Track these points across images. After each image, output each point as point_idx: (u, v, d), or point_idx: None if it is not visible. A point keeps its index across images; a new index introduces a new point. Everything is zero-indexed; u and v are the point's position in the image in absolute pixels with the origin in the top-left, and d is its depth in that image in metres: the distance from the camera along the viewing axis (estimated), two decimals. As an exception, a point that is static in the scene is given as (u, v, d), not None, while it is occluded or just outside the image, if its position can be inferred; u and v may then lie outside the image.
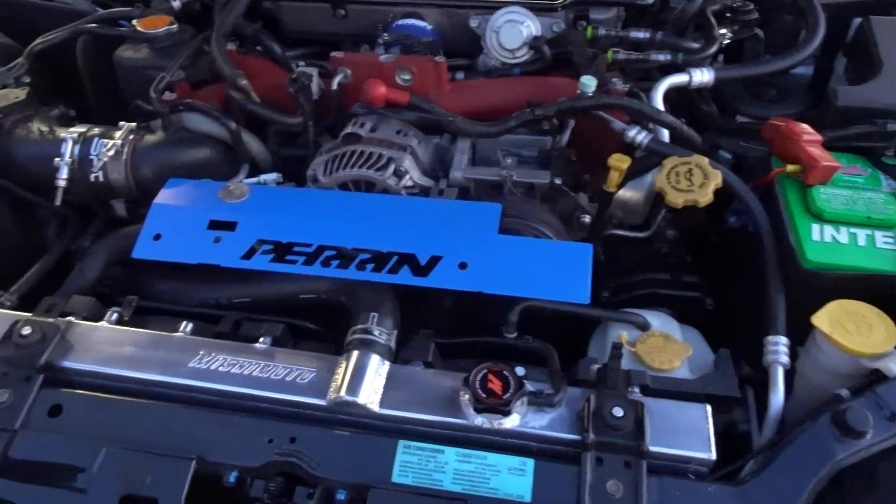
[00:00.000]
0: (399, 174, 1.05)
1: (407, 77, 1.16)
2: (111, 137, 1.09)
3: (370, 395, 0.86)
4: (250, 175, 1.15)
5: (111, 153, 1.06)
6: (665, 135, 1.14)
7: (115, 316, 0.96)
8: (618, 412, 0.83)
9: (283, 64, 1.36)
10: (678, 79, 1.18)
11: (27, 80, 1.22)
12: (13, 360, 0.89)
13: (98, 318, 0.96)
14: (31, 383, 0.88)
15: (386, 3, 1.33)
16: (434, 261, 0.95)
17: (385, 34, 1.31)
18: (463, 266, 0.95)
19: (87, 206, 1.19)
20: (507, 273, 0.94)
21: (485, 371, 0.85)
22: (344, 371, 0.88)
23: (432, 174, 1.11)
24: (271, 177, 1.13)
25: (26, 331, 0.91)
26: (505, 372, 0.85)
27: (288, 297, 1.01)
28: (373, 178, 1.05)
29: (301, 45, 1.44)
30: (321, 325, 1.02)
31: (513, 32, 1.22)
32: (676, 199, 1.02)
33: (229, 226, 1.00)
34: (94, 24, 1.29)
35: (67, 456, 0.83)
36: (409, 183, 1.05)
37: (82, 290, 1.01)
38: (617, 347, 0.86)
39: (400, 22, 1.32)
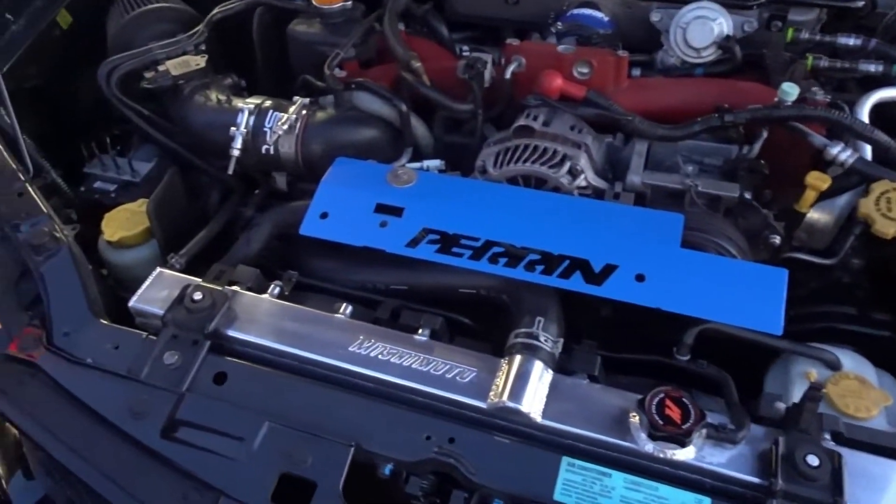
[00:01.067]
0: (574, 173, 0.99)
1: (585, 71, 1.10)
2: (285, 111, 1.09)
3: (533, 403, 0.82)
4: (412, 159, 1.13)
5: (285, 127, 1.07)
6: (868, 153, 1.03)
7: (276, 290, 0.97)
8: (812, 461, 0.74)
9: (449, 47, 1.33)
10: (889, 93, 1.06)
11: (204, 48, 1.25)
12: (184, 324, 0.91)
13: (261, 291, 0.97)
14: (198, 348, 0.89)
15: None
16: (609, 269, 0.90)
17: (559, 23, 1.26)
18: (640, 278, 0.88)
19: (249, 175, 1.21)
20: (690, 291, 0.87)
21: (662, 396, 0.79)
22: (506, 375, 0.84)
23: (603, 175, 1.05)
24: (434, 163, 1.11)
25: (198, 296, 0.92)
26: (685, 399, 0.79)
27: (447, 289, 0.98)
28: (545, 175, 1.00)
29: (464, 28, 1.41)
30: (473, 320, 0.99)
31: (702, 30, 1.14)
32: (887, 229, 0.91)
33: (396, 211, 0.98)
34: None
35: (230, 425, 0.84)
36: (583, 183, 1.00)
37: (246, 260, 1.03)
38: (816, 388, 0.78)
39: (575, 11, 1.26)
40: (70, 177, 1.29)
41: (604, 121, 1.09)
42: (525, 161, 1.00)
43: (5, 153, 1.12)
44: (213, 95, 1.16)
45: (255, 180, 1.21)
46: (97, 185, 1.29)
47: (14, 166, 1.09)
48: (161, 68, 1.17)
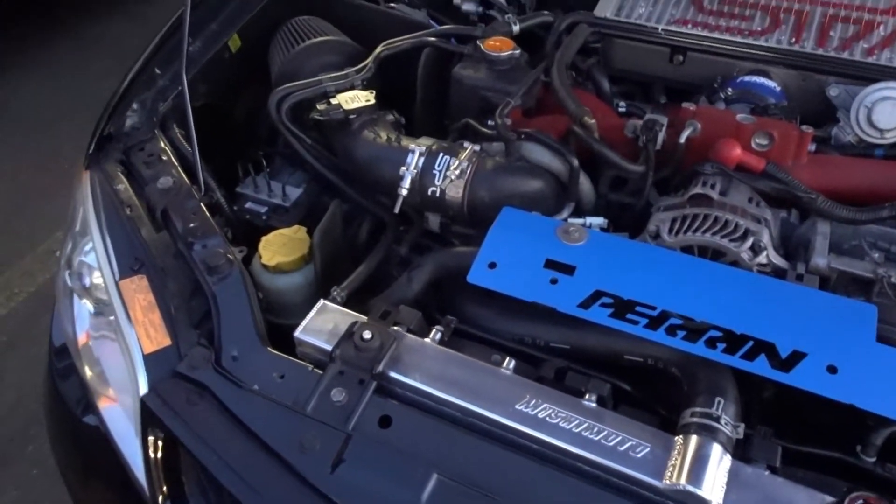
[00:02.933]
0: (756, 249, 0.96)
1: (764, 142, 1.07)
2: (456, 156, 1.10)
3: (713, 489, 0.78)
4: (573, 214, 1.12)
5: (457, 172, 1.07)
6: None
7: (437, 335, 0.96)
8: None
9: (608, 101, 1.32)
10: None
11: (370, 82, 1.28)
12: (352, 362, 0.91)
13: (422, 334, 0.96)
14: (364, 387, 0.89)
15: (734, 57, 1.25)
16: (797, 356, 0.85)
17: (728, 88, 1.23)
18: (832, 370, 0.84)
19: (402, 212, 1.22)
20: (886, 389, 0.82)
21: (862, 502, 0.75)
22: (682, 455, 0.81)
23: (777, 249, 1.01)
24: (597, 221, 1.09)
25: (367, 335, 0.92)
26: (889, 509, 0.74)
27: (612, 354, 0.96)
28: (725, 248, 0.97)
29: (622, 81, 1.40)
30: (634, 389, 0.96)
31: (891, 111, 1.09)
32: None
33: (567, 269, 0.97)
34: (435, 39, 1.32)
35: (397, 472, 0.83)
36: (764, 260, 0.96)
37: (406, 300, 1.03)
38: None
39: (745, 78, 1.24)
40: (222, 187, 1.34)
41: (780, 195, 1.06)
42: (704, 231, 0.98)
43: (181, 170, 1.16)
44: (382, 133, 1.18)
45: (407, 216, 1.22)
46: (249, 205, 1.32)
47: (189, 184, 1.13)
48: (333, 101, 1.20)
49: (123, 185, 1.13)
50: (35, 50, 3.58)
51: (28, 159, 2.93)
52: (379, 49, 1.31)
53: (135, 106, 1.24)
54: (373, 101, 1.20)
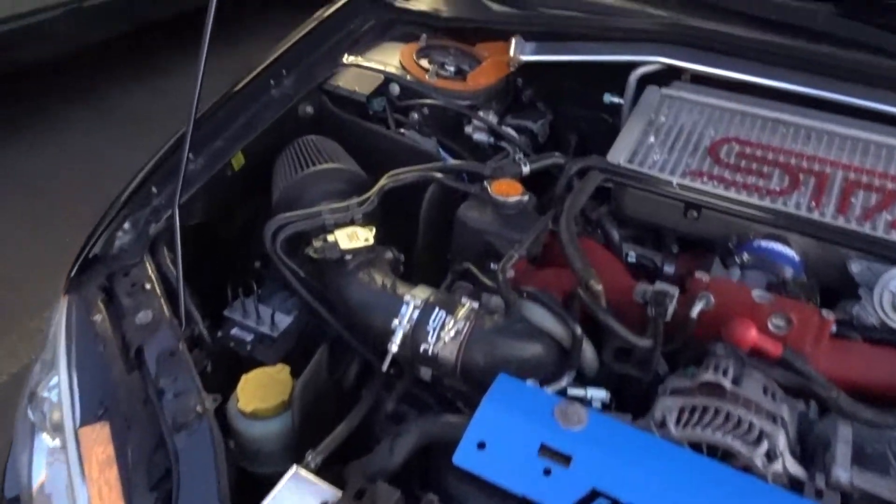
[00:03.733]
0: (771, 455, 0.88)
1: (781, 325, 1.00)
2: (452, 312, 1.04)
3: None
4: (574, 381, 1.05)
5: (451, 334, 1.01)
6: None
7: (417, 522, 0.88)
8: None
9: (618, 251, 1.27)
10: None
11: (371, 215, 1.24)
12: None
13: (401, 516, 0.88)
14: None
15: (752, 220, 1.20)
16: None
17: (744, 253, 1.18)
18: None
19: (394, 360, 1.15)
20: None
21: None
22: None
23: (792, 451, 0.93)
24: (600, 394, 1.02)
25: (340, 519, 0.84)
26: None
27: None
28: (738, 451, 0.89)
29: (633, 224, 1.36)
30: None
31: (918, 299, 1.03)
32: None
33: (563, 459, 0.88)
34: (442, 175, 1.28)
35: None
36: (780, 468, 0.88)
37: (386, 472, 0.95)
38: None
39: (763, 243, 1.18)
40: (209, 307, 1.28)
41: (798, 386, 0.98)
42: (716, 429, 0.90)
43: (165, 300, 1.10)
44: (378, 276, 1.12)
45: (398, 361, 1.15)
46: (234, 331, 1.26)
47: (169, 318, 1.07)
48: (330, 238, 1.15)
49: (101, 315, 1.07)
50: (51, 115, 3.62)
51: (27, 226, 2.91)
52: (383, 181, 1.27)
53: (126, 226, 1.19)
54: (371, 242, 1.15)
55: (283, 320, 1.28)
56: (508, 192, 1.22)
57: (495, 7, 1.74)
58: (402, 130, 1.46)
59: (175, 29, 3.90)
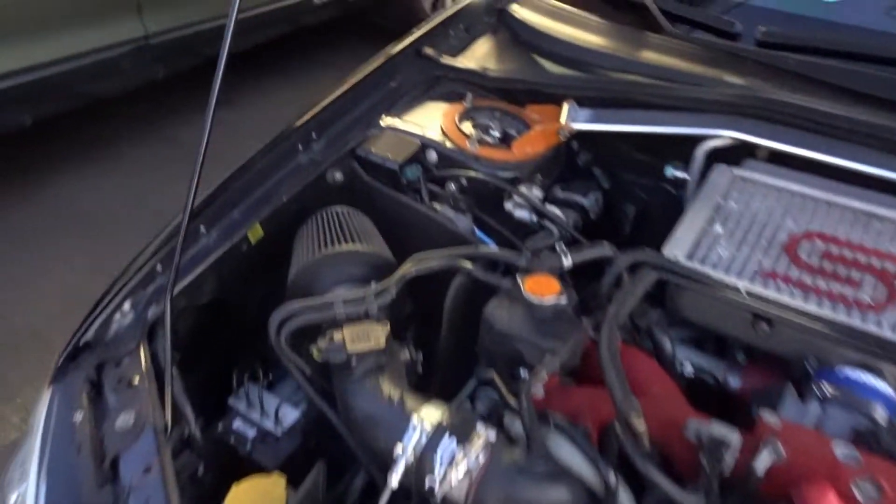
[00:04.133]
0: None
1: (871, 493, 0.81)
2: (463, 443, 0.89)
3: None
4: (605, 534, 0.88)
5: (462, 471, 0.86)
6: None
7: None
8: None
9: (669, 364, 1.09)
10: None
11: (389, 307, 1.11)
12: None
13: None
14: None
15: (836, 342, 1.00)
16: None
17: (825, 382, 0.98)
18: None
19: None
20: None
21: None
22: None
23: None
24: (636, 556, 0.84)
25: None
26: None
27: None
28: None
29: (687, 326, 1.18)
30: None
31: None
32: None
33: None
34: (470, 266, 1.14)
35: None
36: None
37: None
38: None
39: (849, 372, 0.98)
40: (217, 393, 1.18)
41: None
42: None
43: (153, 399, 1.00)
44: (386, 388, 0.98)
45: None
46: (237, 425, 1.15)
47: (153, 424, 0.97)
48: (337, 336, 1.02)
49: (83, 413, 0.98)
50: (116, 151, 3.67)
51: (83, 267, 2.92)
52: (404, 268, 1.13)
53: (126, 307, 1.11)
54: (382, 344, 1.02)
55: (290, 414, 1.16)
56: (543, 290, 1.06)
57: (550, 67, 1.60)
58: (434, 205, 1.33)
59: (241, 63, 3.94)
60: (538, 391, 0.97)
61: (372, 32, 4.33)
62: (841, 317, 1.03)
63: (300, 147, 1.37)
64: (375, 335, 1.03)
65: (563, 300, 1.06)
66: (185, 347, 1.18)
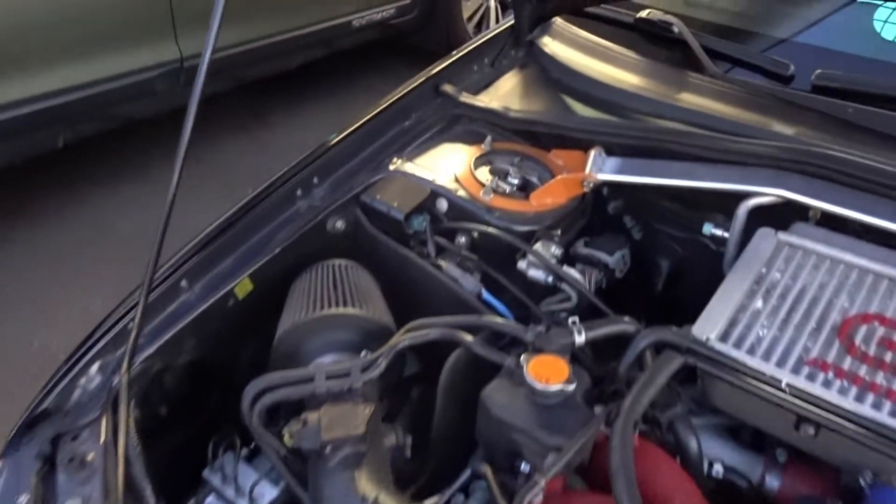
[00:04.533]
0: None
1: None
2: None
3: None
4: None
5: None
6: None
7: None
8: None
9: (695, 466, 0.94)
10: None
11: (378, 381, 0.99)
12: None
13: None
14: None
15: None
16: None
17: (879, 500, 0.82)
18: None
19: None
20: None
21: None
22: None
23: None
24: None
25: None
26: None
27: None
28: None
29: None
30: None
31: None
32: None
33: None
34: (471, 339, 1.01)
35: None
36: None
37: None
38: None
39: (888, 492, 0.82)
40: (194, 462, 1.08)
41: None
42: None
43: (108, 479, 0.91)
44: (363, 484, 0.86)
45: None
46: (209, 501, 1.05)
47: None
48: (312, 418, 0.91)
49: (29, 497, 0.88)
50: (151, 173, 3.65)
51: (112, 289, 2.90)
52: (396, 339, 1.02)
53: (93, 370, 1.02)
54: (362, 430, 0.90)
55: (268, 493, 1.04)
56: (550, 375, 0.93)
57: (579, 108, 1.47)
58: (440, 261, 1.21)
59: (278, 82, 3.92)
60: (536, 499, 0.83)
61: (411, 55, 4.26)
62: (902, 424, 0.87)
63: (299, 192, 1.27)
64: (355, 420, 0.91)
65: (572, 387, 0.93)
66: (158, 413, 1.09)
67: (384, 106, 1.44)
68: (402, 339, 1.02)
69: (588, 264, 1.29)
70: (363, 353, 1.03)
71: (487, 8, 4.58)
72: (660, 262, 1.47)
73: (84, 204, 3.43)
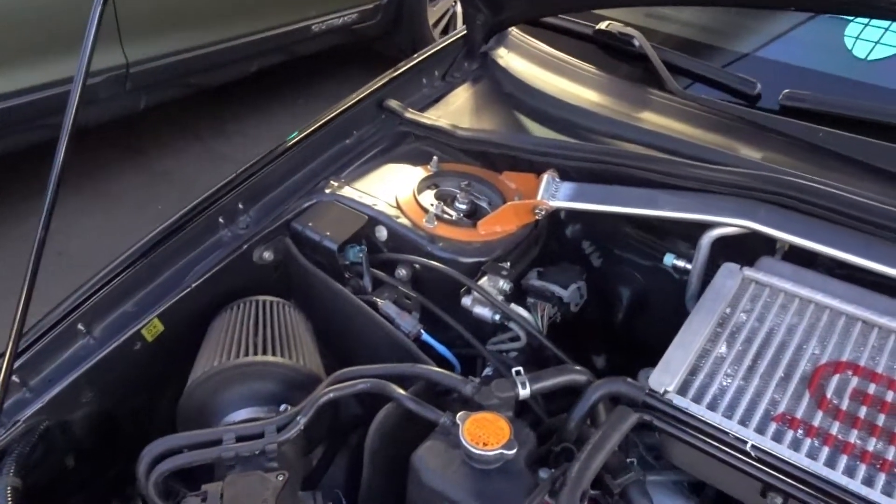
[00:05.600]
0: None
1: None
2: None
3: None
4: None
5: None
6: None
7: None
8: None
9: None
10: None
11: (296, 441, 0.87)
12: None
13: None
14: None
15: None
16: None
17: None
18: None
19: None
20: None
21: None
22: None
23: None
24: None
25: None
26: None
27: None
28: None
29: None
30: None
31: None
32: None
33: None
34: (402, 392, 0.89)
35: None
36: None
37: None
38: None
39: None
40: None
41: None
42: None
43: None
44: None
45: None
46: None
47: None
48: (212, 490, 0.79)
49: None
50: (102, 181, 3.49)
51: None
52: (318, 392, 0.90)
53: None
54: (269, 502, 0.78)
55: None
56: (489, 436, 0.82)
57: (534, 127, 1.37)
58: (376, 298, 1.09)
59: (238, 90, 3.77)
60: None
61: (378, 62, 4.15)
62: (878, 494, 0.77)
63: (222, 220, 1.14)
64: (264, 493, 0.79)
65: (512, 450, 0.82)
66: (54, 476, 0.96)
67: (321, 123, 1.32)
68: (325, 392, 0.90)
69: (541, 298, 1.19)
70: (282, 407, 0.91)
71: (454, 13, 4.48)
72: (621, 292, 1.37)
73: (26, 219, 3.24)
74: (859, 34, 1.25)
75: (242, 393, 0.94)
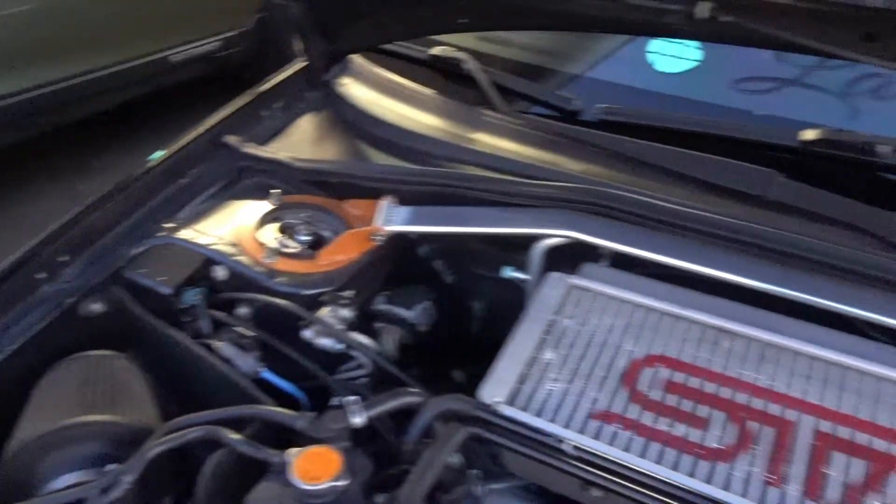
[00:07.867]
0: None
1: None
2: None
3: None
4: None
5: None
6: None
7: None
8: None
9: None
10: None
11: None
12: None
13: None
14: None
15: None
16: None
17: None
18: None
19: None
20: None
21: None
22: None
23: None
24: None
25: None
26: None
27: None
28: None
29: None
30: None
31: None
32: None
33: None
34: (234, 436, 0.88)
35: None
36: None
37: None
38: None
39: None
40: None
41: None
42: None
43: None
44: None
45: None
46: None
47: None
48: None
49: None
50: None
51: None
52: (148, 445, 0.87)
53: None
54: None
55: None
56: (319, 471, 0.82)
57: (374, 154, 1.40)
58: (213, 342, 1.07)
59: (104, 124, 3.59)
60: None
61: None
62: (681, 476, 0.84)
63: (43, 275, 1.09)
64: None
65: (344, 481, 0.83)
66: None
67: (154, 164, 1.29)
68: (154, 445, 0.88)
69: (388, 321, 1.21)
70: (108, 467, 0.88)
71: (323, 38, 4.48)
72: (473, 306, 1.41)
73: None
74: (659, 51, 1.36)
75: (65, 458, 0.90)
